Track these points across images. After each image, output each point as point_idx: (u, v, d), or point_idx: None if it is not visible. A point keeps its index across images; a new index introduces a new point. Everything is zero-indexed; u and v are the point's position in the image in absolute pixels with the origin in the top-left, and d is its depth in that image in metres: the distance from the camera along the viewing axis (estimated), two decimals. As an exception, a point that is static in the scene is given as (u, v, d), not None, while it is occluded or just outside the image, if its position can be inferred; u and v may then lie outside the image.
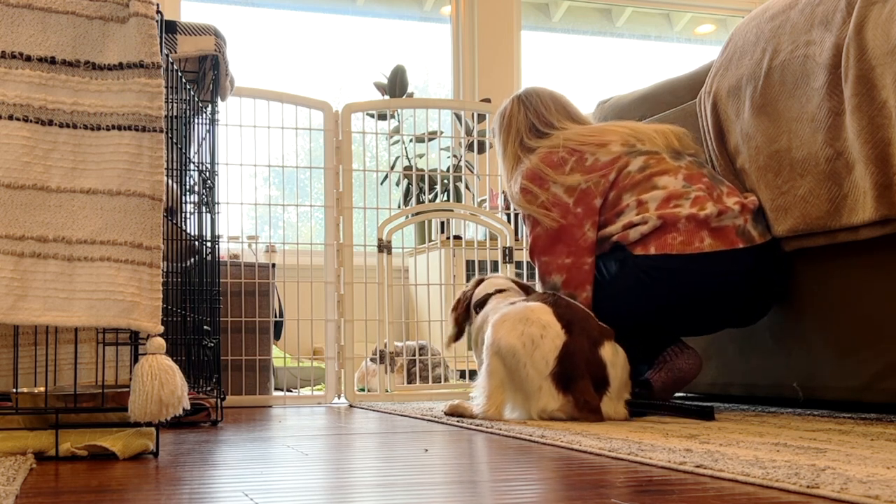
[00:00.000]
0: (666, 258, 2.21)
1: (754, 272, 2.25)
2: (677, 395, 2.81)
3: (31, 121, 1.47)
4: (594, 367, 2.02)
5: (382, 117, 4.46)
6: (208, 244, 2.24)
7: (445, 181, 4.17)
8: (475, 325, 2.47)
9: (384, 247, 3.16)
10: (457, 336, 2.52)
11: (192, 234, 2.12)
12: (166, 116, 1.60)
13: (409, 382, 3.34)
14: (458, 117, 4.65)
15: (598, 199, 2.31)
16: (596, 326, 2.09)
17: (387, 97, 4.61)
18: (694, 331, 2.41)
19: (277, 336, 3.33)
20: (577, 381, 2.00)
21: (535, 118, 2.50)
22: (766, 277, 2.28)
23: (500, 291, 2.46)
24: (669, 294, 2.25)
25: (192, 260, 2.12)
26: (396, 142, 4.69)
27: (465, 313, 2.51)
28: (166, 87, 1.58)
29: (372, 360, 3.29)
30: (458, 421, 2.11)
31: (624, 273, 2.29)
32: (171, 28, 2.10)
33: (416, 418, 2.29)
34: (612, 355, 2.06)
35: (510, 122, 2.54)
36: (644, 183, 2.30)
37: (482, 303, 2.44)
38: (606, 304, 2.23)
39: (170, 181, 1.84)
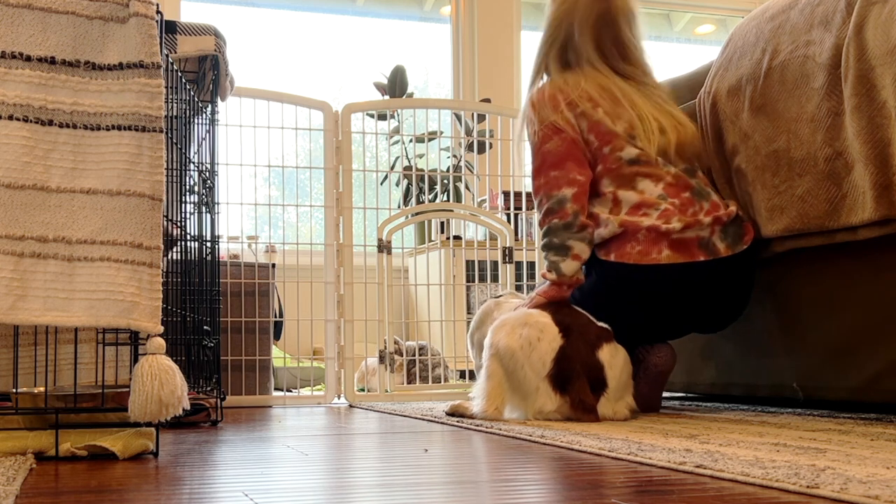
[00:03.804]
0: (624, 267, 2.23)
1: (713, 284, 2.25)
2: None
3: (31, 121, 1.48)
4: (591, 369, 2.03)
5: (382, 117, 4.46)
6: (208, 244, 2.24)
7: (445, 181, 4.17)
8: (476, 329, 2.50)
9: (384, 247, 3.16)
10: None
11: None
12: (166, 116, 1.60)
13: (409, 382, 3.34)
14: (458, 117, 4.65)
15: (588, 155, 2.31)
16: (594, 329, 2.10)
17: (387, 97, 4.61)
18: (656, 336, 2.39)
19: (277, 336, 3.33)
20: (574, 383, 2.01)
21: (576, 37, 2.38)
22: (724, 291, 2.29)
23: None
24: (629, 300, 2.27)
25: (172, 252, 2.11)
26: (396, 142, 4.69)
27: None
28: (166, 87, 1.58)
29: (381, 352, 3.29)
30: (458, 421, 2.11)
31: (589, 274, 2.33)
32: (171, 28, 2.10)
33: (416, 418, 2.29)
34: (611, 357, 2.06)
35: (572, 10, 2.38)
36: (629, 180, 2.29)
37: None
38: (577, 302, 2.25)
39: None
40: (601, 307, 2.23)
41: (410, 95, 4.68)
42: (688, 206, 2.25)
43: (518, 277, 3.49)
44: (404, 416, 2.40)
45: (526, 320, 2.09)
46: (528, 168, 2.54)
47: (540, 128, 2.32)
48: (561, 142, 2.30)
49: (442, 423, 2.13)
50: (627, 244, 2.23)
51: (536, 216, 2.37)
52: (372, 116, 4.29)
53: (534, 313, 2.12)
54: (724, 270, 2.25)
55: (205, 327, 2.19)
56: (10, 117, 1.46)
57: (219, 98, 2.32)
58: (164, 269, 1.70)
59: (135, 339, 1.51)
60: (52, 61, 1.50)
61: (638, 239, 2.22)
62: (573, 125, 2.31)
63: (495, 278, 3.41)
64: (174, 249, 2.09)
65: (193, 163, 2.17)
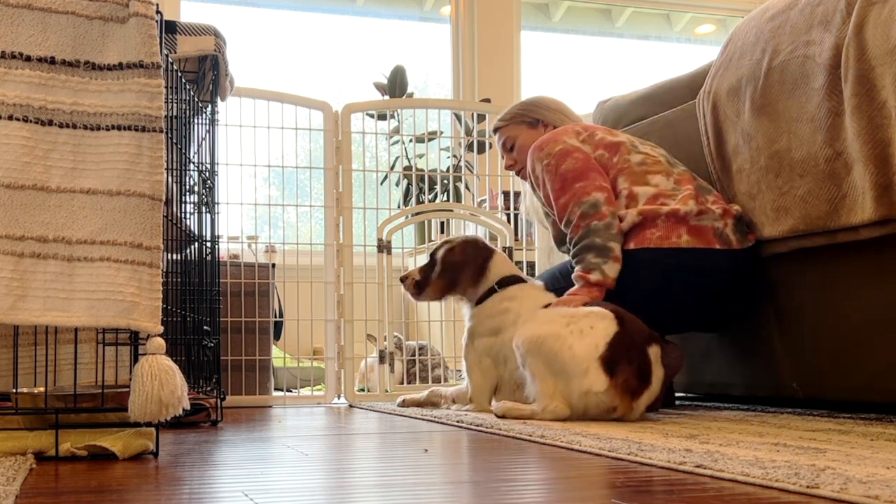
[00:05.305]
0: (645, 252, 2.29)
1: (727, 274, 2.32)
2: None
3: (31, 121, 1.47)
4: (641, 361, 2.03)
5: (382, 117, 4.46)
6: (208, 244, 2.24)
7: (445, 181, 4.17)
8: (485, 304, 2.40)
9: (384, 247, 3.16)
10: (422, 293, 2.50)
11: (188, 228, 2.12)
12: (166, 116, 1.60)
13: (408, 383, 3.33)
14: (458, 117, 4.65)
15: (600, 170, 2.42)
16: (647, 329, 2.10)
17: (386, 97, 4.61)
18: (666, 326, 2.39)
19: (277, 336, 3.33)
20: (624, 366, 2.00)
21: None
22: (738, 282, 2.36)
23: (519, 281, 2.40)
24: (645, 285, 2.30)
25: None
26: (396, 142, 4.68)
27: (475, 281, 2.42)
28: (166, 87, 1.58)
29: (381, 352, 3.28)
30: (457, 421, 2.11)
31: None
32: (170, 28, 2.10)
33: (416, 418, 2.29)
34: (656, 358, 2.06)
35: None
36: (640, 176, 2.39)
37: (500, 284, 2.39)
38: None
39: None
40: (617, 299, 2.24)
41: (410, 95, 4.68)
42: (699, 196, 2.35)
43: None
44: (404, 416, 2.40)
45: (576, 314, 2.09)
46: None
47: (550, 158, 2.43)
48: (575, 160, 2.41)
49: (442, 423, 2.13)
50: (647, 230, 2.30)
51: (568, 232, 2.38)
52: (372, 116, 4.29)
53: (584, 310, 2.12)
54: (735, 263, 2.31)
55: (205, 327, 2.19)
56: (10, 117, 1.46)
57: (219, 98, 2.32)
58: (164, 269, 1.70)
59: (135, 339, 1.51)
60: (52, 61, 1.50)
61: (657, 225, 2.30)
62: (580, 148, 2.44)
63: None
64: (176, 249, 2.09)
65: (193, 163, 2.16)
